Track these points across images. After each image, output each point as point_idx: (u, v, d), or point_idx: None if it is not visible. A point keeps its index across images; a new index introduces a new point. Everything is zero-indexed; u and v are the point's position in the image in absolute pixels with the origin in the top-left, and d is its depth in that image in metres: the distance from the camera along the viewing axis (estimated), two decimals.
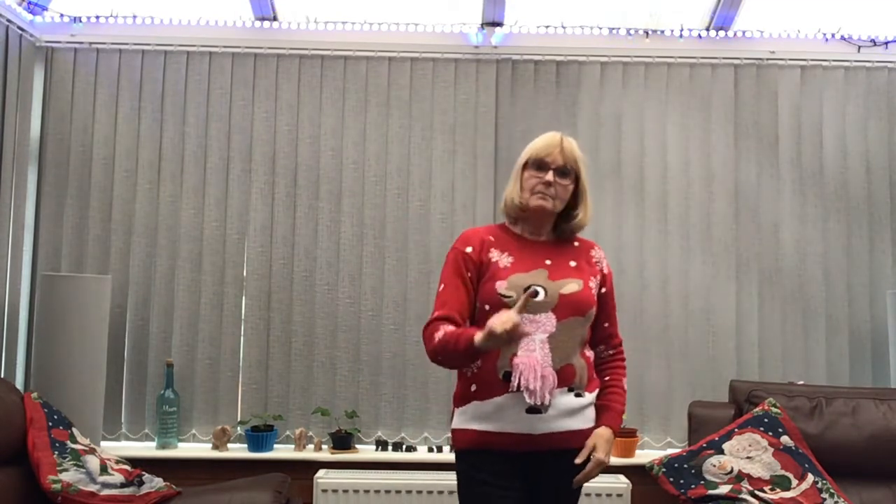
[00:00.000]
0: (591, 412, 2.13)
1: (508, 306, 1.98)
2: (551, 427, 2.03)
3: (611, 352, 2.24)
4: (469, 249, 2.13)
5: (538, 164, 2.13)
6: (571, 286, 2.08)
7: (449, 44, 3.74)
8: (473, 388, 2.07)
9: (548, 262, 2.13)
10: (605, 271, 2.23)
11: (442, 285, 2.13)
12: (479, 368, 2.06)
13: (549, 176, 2.11)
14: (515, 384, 1.98)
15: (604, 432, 2.10)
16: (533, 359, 1.99)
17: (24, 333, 3.55)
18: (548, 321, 2.03)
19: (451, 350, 1.99)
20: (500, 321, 1.85)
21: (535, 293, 2.03)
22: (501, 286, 2.06)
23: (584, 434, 2.10)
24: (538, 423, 2.02)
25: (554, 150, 2.13)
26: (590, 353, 2.17)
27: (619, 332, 2.27)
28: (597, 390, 2.15)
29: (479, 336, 1.91)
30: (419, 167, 3.71)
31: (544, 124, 3.67)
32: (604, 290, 2.20)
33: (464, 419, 2.09)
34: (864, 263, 3.70)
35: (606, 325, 2.22)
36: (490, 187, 3.68)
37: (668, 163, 3.73)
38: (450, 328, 2.02)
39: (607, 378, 2.20)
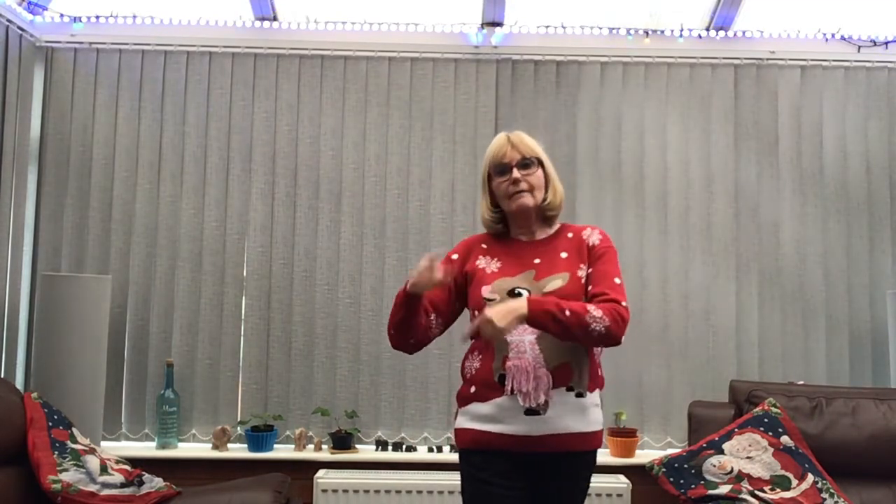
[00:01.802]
0: (596, 414, 2.08)
1: None
2: (551, 429, 2.01)
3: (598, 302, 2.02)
4: (455, 257, 2.21)
5: (500, 169, 2.15)
6: (555, 283, 2.05)
7: (449, 44, 3.74)
8: (473, 389, 2.08)
9: (537, 261, 2.12)
10: (591, 244, 2.12)
11: None
12: (477, 370, 2.07)
13: (515, 173, 2.12)
14: (509, 388, 1.99)
15: (511, 300, 1.97)
16: (525, 361, 1.99)
17: (24, 333, 3.55)
18: None
19: (394, 313, 2.07)
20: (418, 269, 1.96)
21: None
22: (486, 291, 2.08)
23: (588, 437, 2.06)
24: (537, 425, 2.00)
25: (506, 149, 2.14)
26: (596, 349, 2.10)
27: (615, 294, 2.01)
28: (598, 391, 2.11)
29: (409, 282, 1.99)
30: (419, 167, 3.71)
31: (544, 124, 3.69)
32: (588, 260, 2.09)
33: (465, 419, 2.09)
34: (864, 263, 3.70)
35: (590, 287, 2.05)
36: None
37: (668, 163, 3.73)
38: None
39: None
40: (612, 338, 1.97)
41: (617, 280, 2.06)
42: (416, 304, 2.03)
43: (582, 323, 1.93)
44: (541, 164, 2.16)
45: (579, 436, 2.04)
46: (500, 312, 1.89)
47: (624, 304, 2.00)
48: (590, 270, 2.09)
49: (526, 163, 2.13)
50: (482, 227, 2.28)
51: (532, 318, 1.92)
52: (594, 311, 1.95)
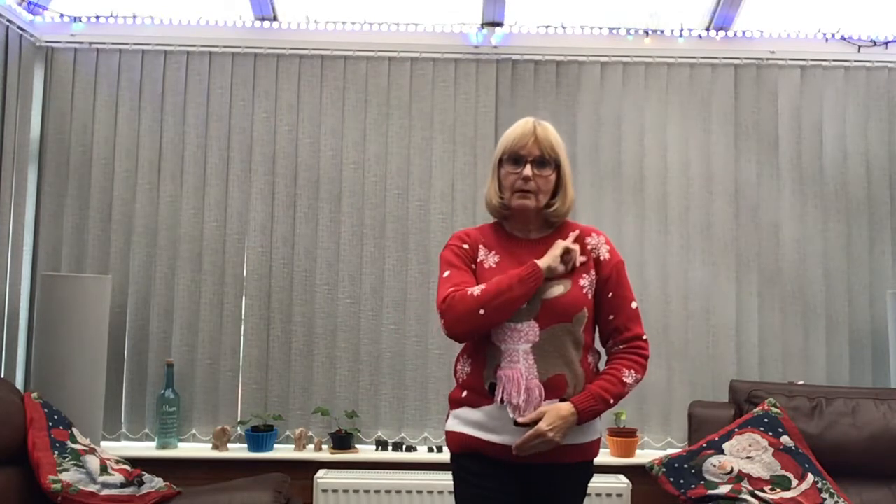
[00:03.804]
0: (592, 424, 2.02)
1: None
2: None
3: (620, 346, 2.03)
4: (466, 246, 2.07)
5: (514, 159, 2.02)
6: (556, 289, 1.96)
7: (449, 44, 3.74)
8: (464, 394, 2.02)
9: None
10: (602, 258, 2.04)
11: (447, 272, 2.03)
12: (468, 375, 2.02)
13: (527, 170, 1.99)
14: (499, 398, 1.92)
15: (561, 405, 1.91)
16: (517, 371, 1.91)
17: (24, 333, 3.55)
18: (530, 330, 1.94)
19: (505, 290, 1.91)
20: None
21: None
22: None
23: (581, 448, 2.00)
24: None
25: (528, 140, 2.01)
26: (592, 360, 2.05)
27: (635, 327, 2.03)
28: None
29: (544, 260, 1.94)
30: (419, 167, 3.71)
31: None
32: (598, 277, 2.03)
33: (456, 423, 2.04)
34: (864, 263, 3.70)
35: (611, 317, 2.02)
36: None
37: (668, 163, 3.73)
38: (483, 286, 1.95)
39: (606, 368, 2.02)
40: (638, 382, 2.06)
41: (633, 305, 2.06)
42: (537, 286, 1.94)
43: (622, 396, 2.00)
44: (558, 166, 2.04)
45: (573, 447, 1.98)
46: (552, 425, 1.89)
47: (644, 337, 2.06)
48: (609, 296, 2.03)
49: (543, 161, 2.01)
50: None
51: (582, 421, 1.95)
52: (627, 377, 2.00)
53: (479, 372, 1.99)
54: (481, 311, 1.90)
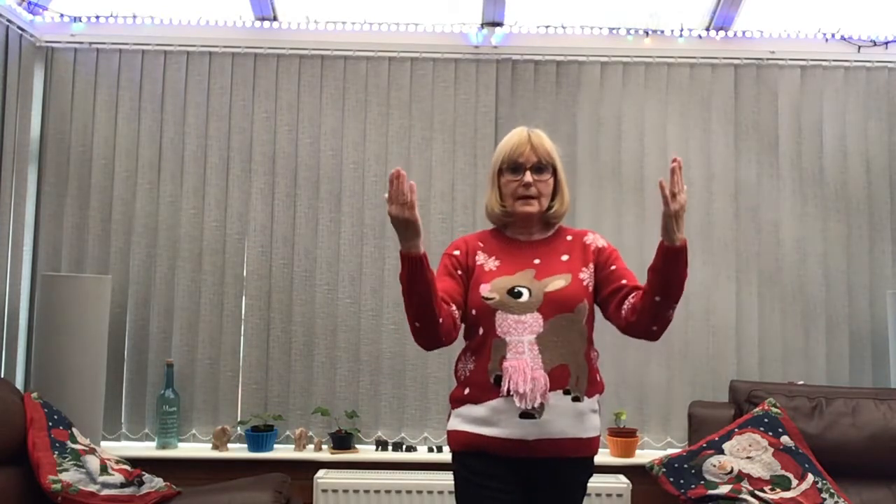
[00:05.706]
0: (593, 420, 2.05)
1: (492, 309, 2.00)
2: (546, 433, 1.96)
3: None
4: (457, 252, 2.14)
5: (513, 167, 2.09)
6: (557, 283, 2.03)
7: (449, 44, 3.74)
8: (467, 391, 2.04)
9: (536, 261, 2.08)
10: (600, 246, 2.13)
11: None
12: (472, 372, 2.03)
13: (528, 176, 2.07)
14: (505, 388, 1.94)
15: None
16: (522, 362, 1.94)
17: (24, 333, 3.55)
18: (534, 322, 1.98)
19: (408, 303, 1.93)
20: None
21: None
22: (485, 289, 2.03)
23: (584, 443, 2.02)
24: (532, 429, 1.96)
25: (524, 148, 2.09)
26: (594, 354, 2.09)
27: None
28: (598, 396, 2.07)
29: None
30: (419, 167, 3.71)
31: (544, 124, 3.64)
32: (596, 262, 2.11)
33: (458, 421, 2.05)
34: (864, 263, 3.69)
35: (624, 281, 2.06)
36: None
37: (668, 163, 3.70)
38: None
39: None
40: (668, 320, 2.04)
41: (632, 275, 2.10)
42: (421, 270, 1.89)
43: (682, 282, 1.99)
44: (554, 170, 2.12)
45: (575, 441, 2.00)
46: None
47: None
48: (612, 268, 2.09)
49: (541, 167, 2.09)
50: (482, 227, 2.25)
51: (684, 244, 1.99)
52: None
53: (484, 366, 2.01)
54: (417, 324, 1.96)
